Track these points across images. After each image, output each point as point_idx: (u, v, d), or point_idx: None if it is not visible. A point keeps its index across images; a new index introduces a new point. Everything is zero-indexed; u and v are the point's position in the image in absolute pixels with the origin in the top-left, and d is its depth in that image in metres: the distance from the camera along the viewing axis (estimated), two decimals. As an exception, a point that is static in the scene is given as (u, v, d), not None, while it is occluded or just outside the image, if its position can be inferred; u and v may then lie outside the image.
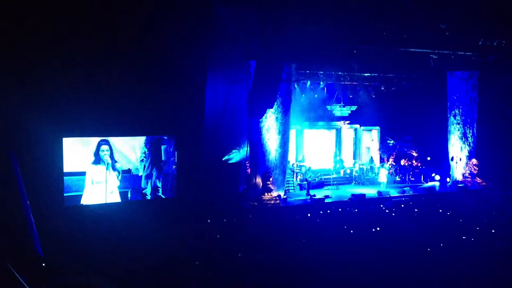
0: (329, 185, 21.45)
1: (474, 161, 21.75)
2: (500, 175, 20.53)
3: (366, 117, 24.39)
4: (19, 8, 12.74)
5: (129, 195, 15.84)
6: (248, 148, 18.55)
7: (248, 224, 14.64)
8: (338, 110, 23.79)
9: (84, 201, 15.01)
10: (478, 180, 21.55)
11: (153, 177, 16.22)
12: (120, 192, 15.61)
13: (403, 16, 17.09)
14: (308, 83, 21.73)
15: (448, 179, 22.15)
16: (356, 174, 23.19)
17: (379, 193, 19.61)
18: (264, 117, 17.66)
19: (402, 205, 17.62)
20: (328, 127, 24.27)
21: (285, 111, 18.21)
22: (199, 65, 16.54)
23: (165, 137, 16.57)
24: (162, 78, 15.47)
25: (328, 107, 23.65)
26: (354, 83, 22.66)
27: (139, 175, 16.03)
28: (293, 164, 21.73)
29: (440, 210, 16.21)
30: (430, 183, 22.12)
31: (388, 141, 24.38)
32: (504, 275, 9.76)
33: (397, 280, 9.40)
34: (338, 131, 24.45)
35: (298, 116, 21.80)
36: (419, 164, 23.49)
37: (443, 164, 22.95)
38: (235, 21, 16.25)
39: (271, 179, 17.83)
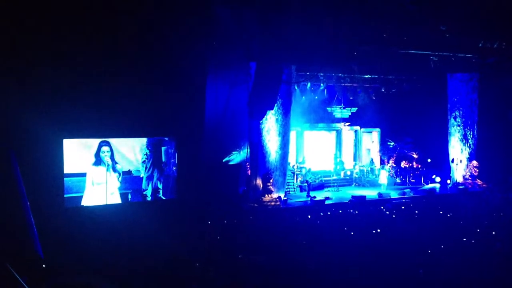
0: (330, 186, 21.44)
1: (474, 163, 21.72)
2: (500, 177, 20.49)
3: (367, 118, 24.38)
4: (19, 8, 12.73)
5: (129, 197, 15.83)
6: (249, 150, 18.54)
7: (249, 225, 14.64)
8: (339, 111, 23.80)
9: (85, 202, 15.00)
10: (479, 182, 21.51)
11: (155, 179, 16.21)
12: (120, 194, 15.62)
13: (404, 17, 17.08)
14: (309, 84, 21.70)
15: (448, 181, 22.15)
16: (357, 176, 23.16)
17: (380, 195, 19.59)
18: (264, 118, 17.67)
19: (403, 207, 17.60)
20: (329, 128, 24.25)
21: (286, 112, 18.20)
22: (199, 66, 16.54)
23: (166, 139, 16.57)
24: (162, 79, 15.48)
25: (329, 109, 23.66)
26: (355, 84, 22.64)
27: (140, 176, 16.02)
28: (293, 166, 21.71)
29: (441, 212, 16.23)
30: (430, 185, 22.14)
31: (389, 143, 24.37)
32: (504, 277, 9.73)
33: (398, 282, 9.39)
34: (339, 133, 24.45)
35: (299, 117, 21.80)
36: (419, 166, 23.51)
37: (443, 166, 22.91)
38: (235, 22, 16.25)
39: (271, 180, 17.83)
